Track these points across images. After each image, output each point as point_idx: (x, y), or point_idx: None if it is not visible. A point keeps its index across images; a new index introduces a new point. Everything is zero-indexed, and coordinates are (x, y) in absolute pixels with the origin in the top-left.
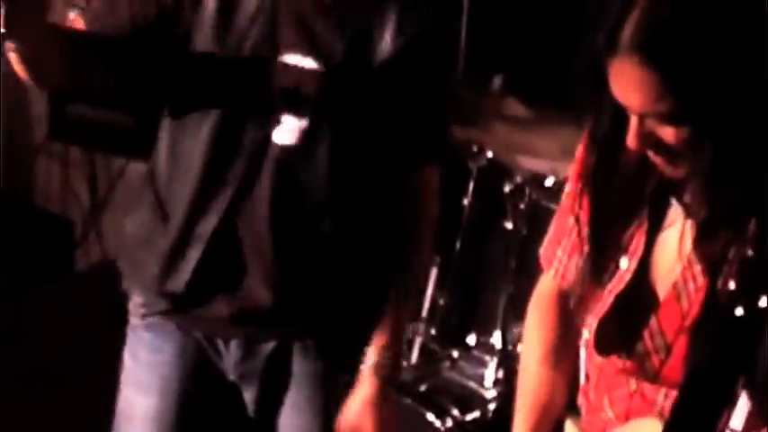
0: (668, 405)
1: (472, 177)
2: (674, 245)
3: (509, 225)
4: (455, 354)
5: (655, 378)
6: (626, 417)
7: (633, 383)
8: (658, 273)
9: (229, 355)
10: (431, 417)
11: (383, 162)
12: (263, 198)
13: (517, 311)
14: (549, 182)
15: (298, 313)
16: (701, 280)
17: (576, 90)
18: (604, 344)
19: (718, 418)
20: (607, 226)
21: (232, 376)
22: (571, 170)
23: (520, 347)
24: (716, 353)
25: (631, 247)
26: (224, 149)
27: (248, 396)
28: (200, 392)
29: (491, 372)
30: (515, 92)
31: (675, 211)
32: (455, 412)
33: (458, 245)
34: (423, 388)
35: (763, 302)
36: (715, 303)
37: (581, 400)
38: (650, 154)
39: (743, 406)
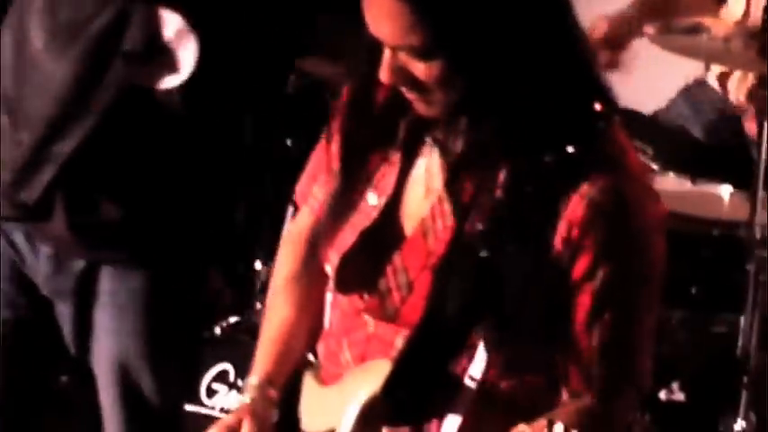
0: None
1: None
2: (423, 181)
3: None
4: None
5: (394, 317)
6: (361, 360)
7: (371, 326)
8: (407, 210)
9: (39, 269)
10: None
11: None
12: (123, 130)
13: None
14: None
15: (140, 234)
16: (450, 219)
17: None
18: (346, 281)
19: (449, 360)
20: (358, 160)
21: (45, 291)
22: (333, 106)
23: None
24: (455, 294)
25: (382, 183)
26: (96, 76)
27: (63, 317)
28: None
29: None
30: None
31: (428, 149)
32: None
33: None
34: None
35: (510, 248)
36: (460, 244)
37: (320, 348)
38: (404, 90)
39: (482, 354)
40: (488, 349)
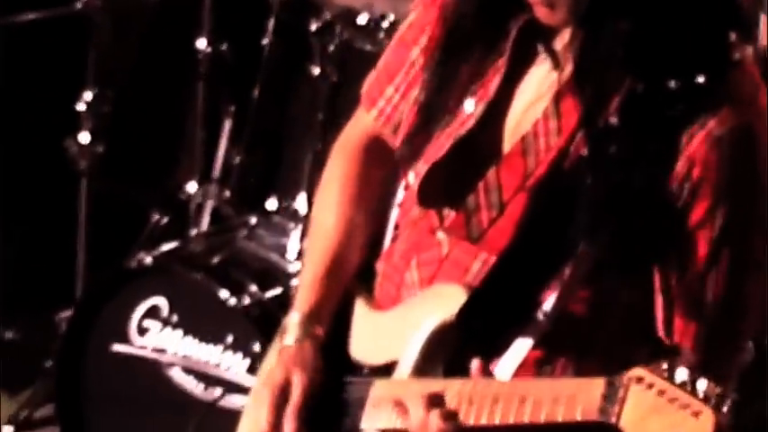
0: (483, 275)
1: (272, 13)
2: (530, 94)
3: (316, 70)
4: (253, 220)
5: (478, 238)
6: (430, 282)
7: (446, 246)
8: (508, 122)
9: None
10: (224, 294)
11: None
12: None
13: None
14: (362, 19)
15: None
16: (555, 139)
17: None
18: (431, 193)
19: (532, 293)
20: (457, 61)
21: None
22: None
23: None
24: (550, 221)
25: (481, 90)
26: None
27: None
28: None
29: (295, 242)
30: None
31: (540, 59)
32: (253, 288)
33: (255, 93)
34: (215, 260)
35: (618, 178)
36: (563, 167)
37: (380, 265)
38: None
39: (565, 291)
40: (575, 284)
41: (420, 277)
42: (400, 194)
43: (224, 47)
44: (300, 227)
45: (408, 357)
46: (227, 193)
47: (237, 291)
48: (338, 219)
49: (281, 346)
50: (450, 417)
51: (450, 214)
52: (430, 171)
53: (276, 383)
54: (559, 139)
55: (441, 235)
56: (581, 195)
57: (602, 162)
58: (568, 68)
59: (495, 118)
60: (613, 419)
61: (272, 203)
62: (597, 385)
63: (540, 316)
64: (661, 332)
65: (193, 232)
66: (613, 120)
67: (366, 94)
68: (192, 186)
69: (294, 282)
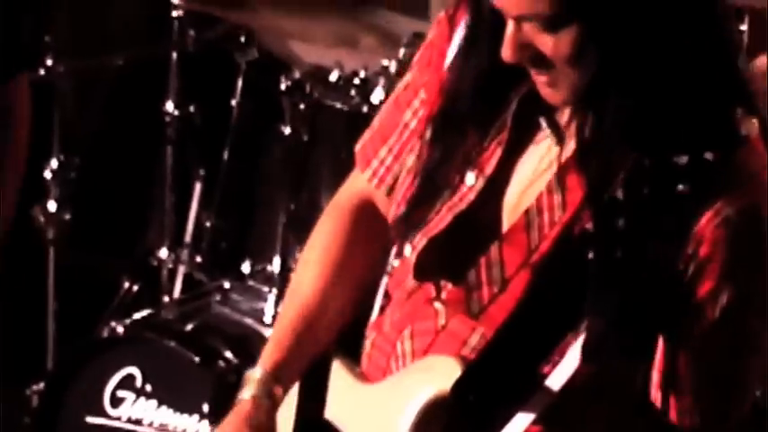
0: (480, 347)
1: (240, 73)
2: (531, 168)
3: (287, 129)
4: (227, 285)
5: (478, 313)
6: (424, 353)
7: (443, 318)
8: (509, 197)
9: None
10: (199, 361)
11: None
12: None
13: (299, 232)
14: (333, 76)
15: None
16: (559, 214)
17: None
18: (428, 267)
19: (531, 367)
20: (457, 135)
21: None
22: (418, 54)
23: None
24: (553, 297)
25: (482, 163)
26: None
27: None
28: None
29: (270, 306)
30: None
31: (541, 133)
32: (228, 354)
33: (225, 154)
34: (189, 327)
35: (618, 252)
36: (568, 243)
37: (370, 333)
38: (532, 72)
39: (567, 368)
40: (579, 360)
41: (413, 348)
42: (391, 262)
43: (192, 109)
44: (276, 290)
45: (401, 429)
46: (200, 258)
47: (212, 358)
48: (316, 280)
49: (238, 399)
50: None
51: (448, 286)
52: (428, 245)
53: None
54: (564, 214)
55: (438, 305)
56: (585, 271)
57: (607, 237)
58: (571, 142)
59: (495, 192)
60: None
61: (245, 267)
62: None
63: (543, 390)
64: (657, 406)
65: (166, 299)
66: (619, 194)
67: (360, 153)
68: (163, 252)
69: None
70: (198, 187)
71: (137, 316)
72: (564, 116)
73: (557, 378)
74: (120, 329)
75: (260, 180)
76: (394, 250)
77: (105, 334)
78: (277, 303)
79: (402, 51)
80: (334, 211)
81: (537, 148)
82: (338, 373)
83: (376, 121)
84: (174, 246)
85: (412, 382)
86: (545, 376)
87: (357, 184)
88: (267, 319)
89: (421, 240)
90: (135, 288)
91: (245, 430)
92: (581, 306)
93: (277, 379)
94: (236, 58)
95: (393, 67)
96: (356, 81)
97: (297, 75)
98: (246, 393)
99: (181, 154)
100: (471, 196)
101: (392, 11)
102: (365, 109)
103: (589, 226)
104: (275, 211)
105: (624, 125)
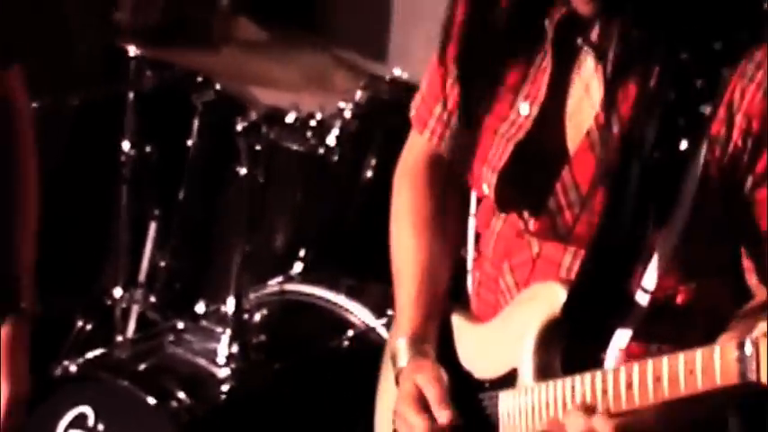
0: (576, 266)
1: (197, 113)
2: (580, 89)
3: (242, 170)
4: (180, 325)
5: (566, 237)
6: (526, 283)
7: (536, 246)
8: (566, 119)
9: None
10: (152, 401)
11: None
12: None
13: (254, 273)
14: (289, 118)
15: None
16: (617, 126)
17: None
18: (507, 199)
19: (626, 274)
20: (496, 66)
21: None
22: (449, 14)
23: (257, 317)
24: (631, 204)
25: (531, 90)
26: None
27: None
28: None
29: (224, 346)
30: (247, 10)
31: (582, 52)
32: (181, 395)
33: (181, 195)
34: (142, 367)
35: (683, 145)
36: (631, 151)
37: (472, 277)
38: None
39: (658, 267)
40: (663, 256)
41: (515, 281)
42: (473, 204)
43: (148, 149)
44: (229, 331)
45: (525, 362)
46: (154, 298)
47: (165, 398)
48: (420, 243)
49: (396, 369)
50: (611, 414)
51: (532, 219)
52: (500, 178)
53: (411, 395)
54: (621, 126)
55: (528, 236)
56: (652, 172)
57: (665, 136)
58: (611, 56)
59: (550, 117)
60: (754, 377)
61: (199, 307)
62: (728, 350)
63: (641, 293)
64: (755, 281)
65: (119, 338)
66: (669, 94)
67: (415, 118)
68: (117, 291)
69: (224, 387)
70: (153, 227)
71: (90, 355)
72: (598, 31)
73: (648, 282)
74: (74, 368)
75: (215, 220)
76: (473, 192)
77: (58, 373)
78: (230, 344)
79: (359, 94)
80: (405, 177)
81: (580, 69)
82: (457, 321)
83: (423, 85)
84: (128, 285)
85: (525, 313)
86: (638, 283)
87: (418, 147)
88: (220, 359)
89: (491, 176)
90: (89, 327)
91: (419, 375)
92: (659, 207)
93: (422, 339)
94: (192, 98)
95: (349, 109)
96: (312, 123)
97: (253, 116)
98: (402, 361)
99: (136, 193)
100: (528, 124)
101: (350, 53)
102: (321, 151)
103: (647, 131)
104: (230, 252)
105: (658, 28)
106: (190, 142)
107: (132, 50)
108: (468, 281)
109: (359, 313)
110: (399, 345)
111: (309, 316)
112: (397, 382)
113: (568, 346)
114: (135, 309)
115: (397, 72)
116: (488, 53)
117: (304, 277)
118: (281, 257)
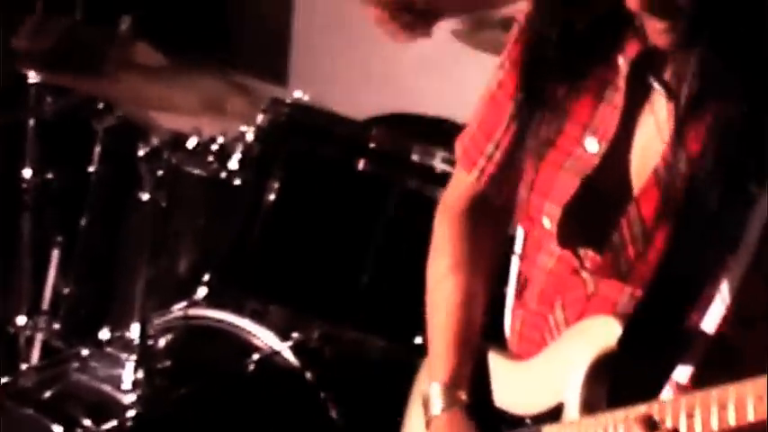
0: (631, 306)
1: (98, 140)
2: (650, 128)
3: (145, 196)
4: (85, 352)
5: (627, 274)
6: (578, 320)
7: (591, 284)
8: (634, 158)
9: None
10: (57, 429)
11: None
12: None
13: (159, 298)
14: (191, 143)
15: None
16: (684, 166)
17: None
18: (570, 234)
19: (684, 314)
20: (565, 100)
21: None
22: (505, 53)
23: (162, 342)
24: (694, 244)
25: (601, 127)
26: None
27: None
28: None
29: (129, 372)
30: (147, 36)
31: (654, 92)
32: (87, 422)
33: (84, 221)
34: (47, 394)
35: (750, 186)
36: (698, 191)
37: (512, 316)
38: (651, 21)
39: (718, 308)
40: (724, 298)
41: (566, 317)
42: (519, 243)
43: (50, 175)
44: (134, 357)
45: (573, 395)
46: (57, 325)
47: (71, 425)
48: (455, 285)
49: (429, 417)
50: None
51: (589, 253)
52: (565, 212)
53: None
54: (689, 165)
55: (584, 274)
56: (717, 213)
57: (732, 178)
58: (684, 95)
59: (617, 153)
60: None
61: (104, 334)
62: None
63: (696, 338)
64: None
65: (23, 366)
66: (739, 134)
67: (464, 154)
68: (20, 319)
69: (130, 413)
70: (56, 254)
71: None
72: (672, 70)
73: (707, 325)
74: None
75: (118, 246)
76: (519, 232)
77: None
78: (135, 370)
79: (260, 117)
80: (447, 216)
81: (652, 106)
82: (494, 360)
83: (473, 122)
84: (31, 313)
85: (575, 346)
86: (698, 323)
87: (464, 186)
88: (126, 385)
89: (555, 210)
90: None
91: None
92: (723, 248)
93: (456, 386)
94: (93, 124)
95: (251, 132)
96: (214, 147)
97: (155, 141)
98: (436, 409)
99: (38, 220)
100: (596, 161)
101: (252, 77)
102: (223, 175)
103: (714, 170)
104: (134, 278)
105: (734, 69)
106: (91, 168)
107: (32, 77)
108: (505, 320)
109: (264, 337)
110: (433, 391)
111: (214, 340)
112: (428, 427)
113: (618, 381)
114: (39, 336)
115: (297, 94)
116: (555, 88)
117: (208, 302)
118: (185, 282)
